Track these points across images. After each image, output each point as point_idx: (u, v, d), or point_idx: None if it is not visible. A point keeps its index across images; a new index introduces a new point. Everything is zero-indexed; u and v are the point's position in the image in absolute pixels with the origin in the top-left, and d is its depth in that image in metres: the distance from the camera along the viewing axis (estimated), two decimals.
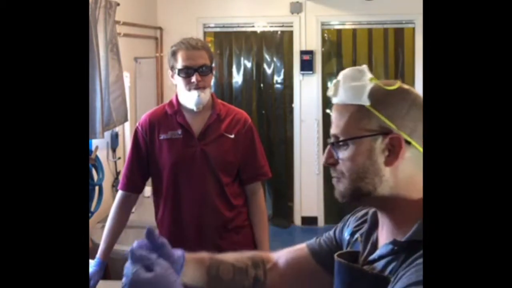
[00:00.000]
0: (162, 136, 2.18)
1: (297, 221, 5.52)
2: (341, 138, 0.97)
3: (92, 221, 3.61)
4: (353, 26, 5.47)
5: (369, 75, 0.98)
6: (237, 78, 5.65)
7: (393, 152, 0.93)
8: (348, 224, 1.14)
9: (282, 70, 5.57)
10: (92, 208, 3.61)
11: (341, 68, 5.31)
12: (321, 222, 5.46)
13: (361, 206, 1.11)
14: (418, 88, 5.23)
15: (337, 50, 5.62)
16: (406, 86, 0.98)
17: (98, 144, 3.75)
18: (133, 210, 2.67)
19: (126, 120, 3.99)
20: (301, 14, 5.31)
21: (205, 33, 5.46)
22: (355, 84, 0.96)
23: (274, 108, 5.64)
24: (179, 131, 2.17)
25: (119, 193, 2.26)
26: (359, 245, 1.06)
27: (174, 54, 2.13)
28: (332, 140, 0.99)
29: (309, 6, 5.29)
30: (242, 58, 5.63)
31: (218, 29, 5.56)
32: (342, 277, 1.00)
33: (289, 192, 5.57)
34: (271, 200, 5.59)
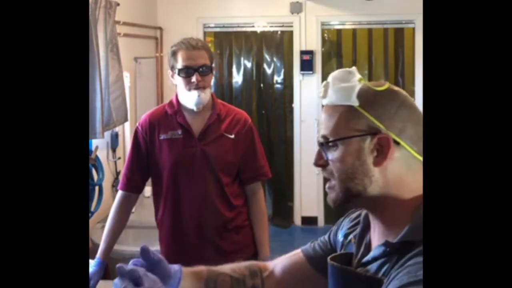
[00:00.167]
0: (162, 136, 2.18)
1: (297, 221, 5.52)
2: (330, 139, 0.97)
3: (92, 221, 3.61)
4: (353, 26, 5.46)
5: (358, 76, 0.99)
6: (237, 78, 5.65)
7: (382, 152, 0.94)
8: (342, 226, 1.15)
9: (282, 70, 5.57)
10: (92, 208, 3.61)
11: (341, 68, 5.30)
12: (321, 222, 5.46)
13: (352, 207, 1.11)
14: (418, 88, 5.24)
15: (337, 50, 5.62)
16: (395, 87, 0.99)
17: (98, 144, 3.75)
18: (133, 210, 2.68)
19: (126, 120, 3.99)
20: (301, 14, 5.31)
21: (205, 33, 5.46)
22: (344, 85, 0.97)
23: (274, 108, 5.64)
24: (179, 131, 2.17)
25: (119, 193, 2.26)
26: (352, 247, 1.06)
27: (174, 54, 2.13)
28: (321, 141, 0.99)
29: (309, 6, 5.29)
30: (242, 58, 5.63)
31: (218, 29, 5.56)
32: (336, 281, 1.00)
33: (289, 192, 5.57)
34: (271, 200, 5.59)
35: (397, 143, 0.94)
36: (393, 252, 0.91)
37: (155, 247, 2.12)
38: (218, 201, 2.17)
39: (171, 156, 2.16)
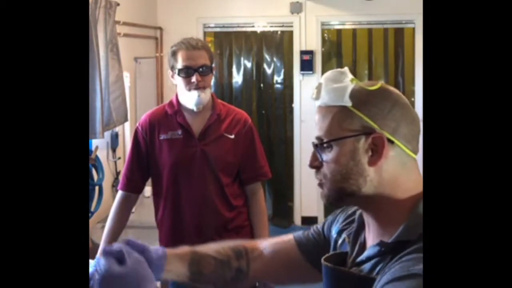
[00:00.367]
0: (162, 136, 2.18)
1: (297, 221, 5.52)
2: (324, 140, 0.97)
3: (92, 221, 3.61)
4: (353, 26, 5.46)
5: (350, 76, 0.99)
6: (237, 78, 5.65)
7: (376, 151, 0.94)
8: (338, 220, 1.15)
9: (282, 70, 5.57)
10: (92, 208, 3.61)
11: (341, 68, 5.30)
12: (321, 222, 5.45)
13: (346, 205, 1.11)
14: (418, 88, 5.24)
15: (337, 50, 5.62)
16: (387, 86, 0.99)
17: (98, 144, 3.75)
18: (133, 210, 2.67)
19: (126, 120, 3.99)
20: (301, 14, 5.31)
21: (205, 33, 5.46)
22: (336, 85, 0.97)
23: (274, 108, 5.64)
24: (179, 131, 2.17)
25: (119, 193, 2.26)
26: (346, 246, 1.06)
27: (174, 54, 2.14)
28: (316, 142, 0.99)
29: (309, 6, 5.29)
30: (242, 58, 5.63)
31: (218, 29, 5.56)
32: (330, 281, 1.00)
33: (289, 192, 5.57)
34: (271, 200, 5.59)
35: (391, 142, 0.94)
36: (388, 252, 0.91)
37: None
38: (218, 201, 2.17)
39: (171, 156, 2.16)
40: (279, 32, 5.54)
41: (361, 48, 5.55)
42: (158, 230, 2.28)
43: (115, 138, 4.18)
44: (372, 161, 0.94)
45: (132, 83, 4.57)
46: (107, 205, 3.52)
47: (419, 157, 0.95)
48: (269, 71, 5.61)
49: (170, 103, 2.23)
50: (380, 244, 0.92)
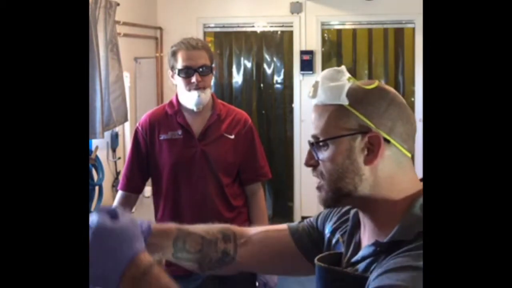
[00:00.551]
0: (162, 137, 2.18)
1: (297, 221, 5.51)
2: (321, 139, 0.97)
3: None
4: (353, 26, 5.46)
5: (347, 75, 0.99)
6: (237, 78, 5.65)
7: (372, 150, 0.94)
8: (331, 218, 1.14)
9: (282, 70, 5.57)
10: (92, 208, 3.61)
11: None
12: None
13: (343, 206, 1.11)
14: (418, 88, 5.24)
15: (337, 50, 5.62)
16: (384, 86, 0.99)
17: (98, 144, 3.76)
18: (133, 210, 2.67)
19: (126, 120, 3.99)
20: (301, 14, 5.31)
21: (205, 33, 5.46)
22: (333, 84, 0.97)
23: (274, 108, 5.64)
24: (179, 132, 2.17)
25: (119, 193, 2.26)
26: (341, 246, 1.05)
27: (174, 54, 2.14)
28: (312, 140, 0.99)
29: (309, 6, 5.29)
30: (242, 58, 5.63)
31: (218, 29, 5.56)
32: (324, 281, 1.00)
33: (289, 192, 5.57)
34: (271, 200, 5.59)
35: (388, 141, 0.94)
36: (382, 252, 0.91)
37: None
38: (218, 201, 2.17)
39: (171, 156, 2.16)
40: (279, 32, 5.54)
41: (361, 48, 5.56)
42: None
43: (115, 138, 4.18)
44: (368, 160, 0.94)
45: (132, 83, 4.57)
46: (107, 205, 3.52)
47: (419, 157, 0.96)
48: (269, 71, 5.61)
49: (170, 103, 2.23)
50: (375, 244, 0.93)
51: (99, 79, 3.40)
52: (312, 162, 1.00)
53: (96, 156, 3.70)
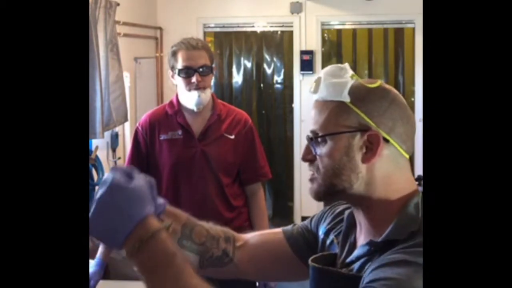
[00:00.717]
0: (162, 137, 2.18)
1: (297, 221, 5.52)
2: (319, 134, 0.97)
3: None
4: (353, 26, 5.47)
5: (350, 72, 0.98)
6: (237, 78, 5.65)
7: (371, 149, 0.94)
8: (324, 219, 1.13)
9: (282, 70, 5.57)
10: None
11: None
12: None
13: (337, 201, 1.10)
14: (418, 88, 5.24)
15: (337, 50, 5.62)
16: (386, 85, 0.99)
17: (98, 144, 3.75)
18: None
19: (126, 120, 3.99)
20: (301, 14, 5.31)
21: (205, 33, 5.46)
22: (336, 80, 0.96)
23: (274, 108, 5.65)
24: (179, 132, 2.17)
25: None
26: (335, 247, 1.05)
27: (174, 54, 2.14)
28: (310, 135, 0.99)
29: (309, 6, 5.29)
30: (242, 58, 5.63)
31: (218, 29, 5.56)
32: (319, 282, 0.99)
33: (289, 192, 5.57)
34: (271, 200, 5.60)
35: (387, 141, 0.94)
36: (377, 251, 0.91)
37: None
38: (218, 201, 2.17)
39: (171, 156, 2.16)
40: (279, 32, 5.55)
41: (361, 48, 5.56)
42: None
43: (115, 138, 4.18)
44: (366, 158, 0.94)
45: (132, 83, 4.57)
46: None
47: (419, 157, 0.96)
48: (269, 71, 5.61)
49: (170, 103, 2.23)
50: (370, 243, 0.92)
51: (99, 79, 3.40)
52: (309, 157, 0.99)
53: (96, 156, 3.70)
